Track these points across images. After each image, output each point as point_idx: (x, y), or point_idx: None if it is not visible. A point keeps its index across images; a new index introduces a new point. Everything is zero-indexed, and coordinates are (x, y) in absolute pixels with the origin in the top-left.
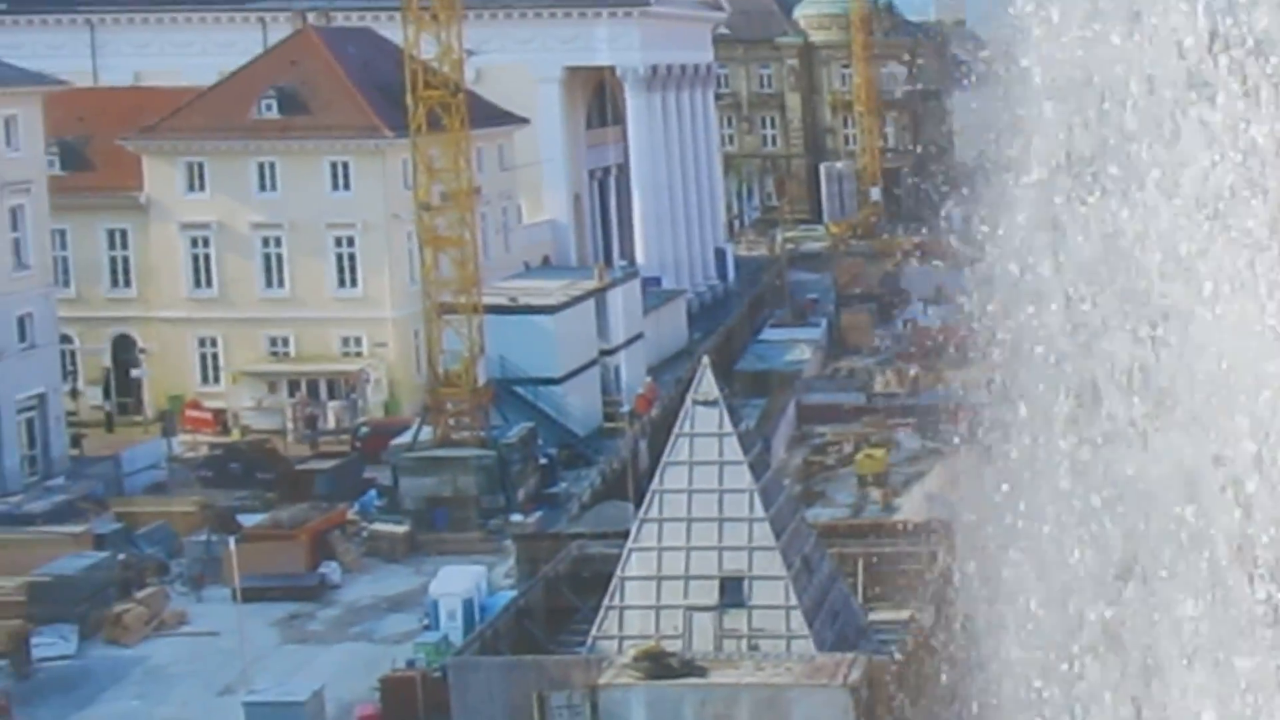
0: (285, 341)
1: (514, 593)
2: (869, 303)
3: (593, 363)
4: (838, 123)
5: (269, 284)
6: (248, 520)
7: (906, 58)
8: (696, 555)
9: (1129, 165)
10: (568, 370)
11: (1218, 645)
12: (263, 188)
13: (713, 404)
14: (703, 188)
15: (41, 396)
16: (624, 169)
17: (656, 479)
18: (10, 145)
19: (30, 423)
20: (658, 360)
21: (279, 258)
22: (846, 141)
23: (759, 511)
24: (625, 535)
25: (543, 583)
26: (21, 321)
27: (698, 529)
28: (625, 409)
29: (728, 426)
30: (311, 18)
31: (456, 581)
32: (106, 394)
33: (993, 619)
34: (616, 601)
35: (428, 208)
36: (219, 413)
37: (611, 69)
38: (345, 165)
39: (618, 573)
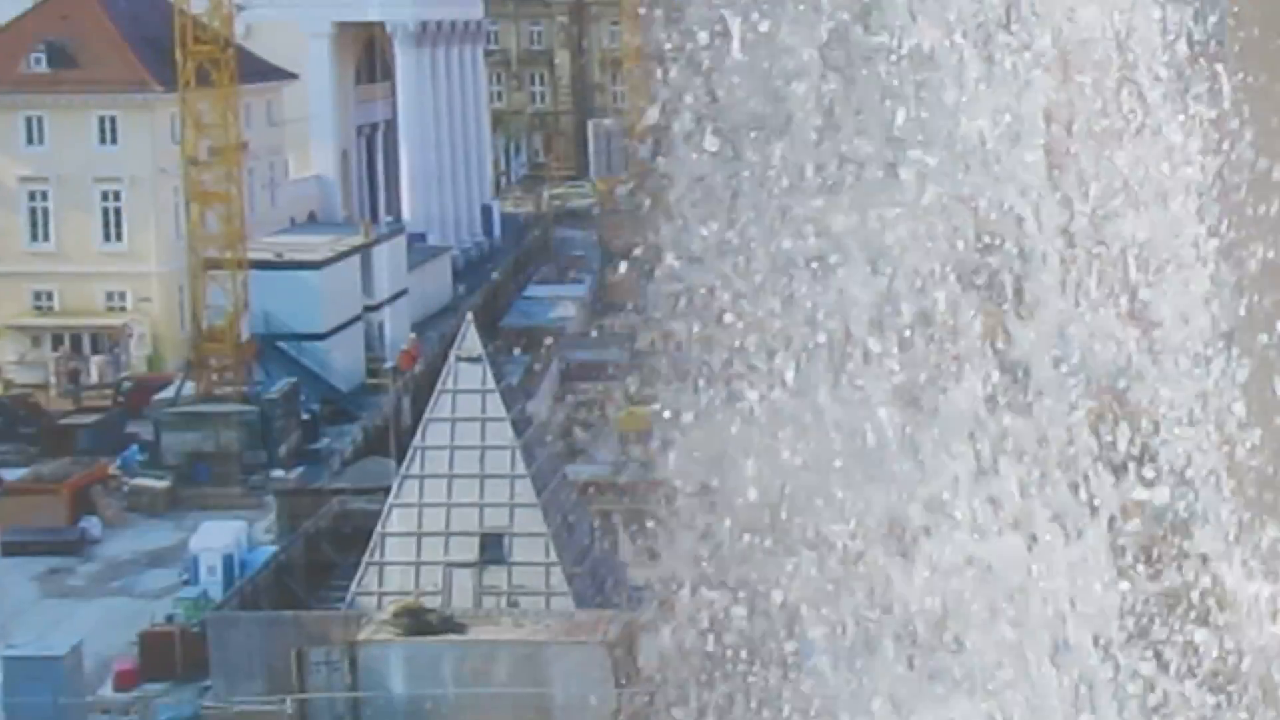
0: (50, 296)
1: (274, 548)
2: (634, 260)
3: (357, 319)
4: (606, 79)
5: (34, 238)
6: (9, 474)
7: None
8: (457, 512)
9: None
10: (332, 326)
11: None
12: (30, 141)
13: (476, 360)
14: (470, 144)
15: None
16: (392, 125)
17: (418, 435)
18: None
19: None
20: (422, 317)
21: (45, 211)
22: (615, 99)
23: (520, 468)
24: (387, 491)
25: (303, 538)
26: None
27: (459, 485)
28: (389, 365)
29: (490, 383)
30: None
31: (217, 537)
32: None
33: None
34: (377, 558)
35: (195, 163)
36: None
37: (382, 25)
38: (113, 120)
39: (378, 529)
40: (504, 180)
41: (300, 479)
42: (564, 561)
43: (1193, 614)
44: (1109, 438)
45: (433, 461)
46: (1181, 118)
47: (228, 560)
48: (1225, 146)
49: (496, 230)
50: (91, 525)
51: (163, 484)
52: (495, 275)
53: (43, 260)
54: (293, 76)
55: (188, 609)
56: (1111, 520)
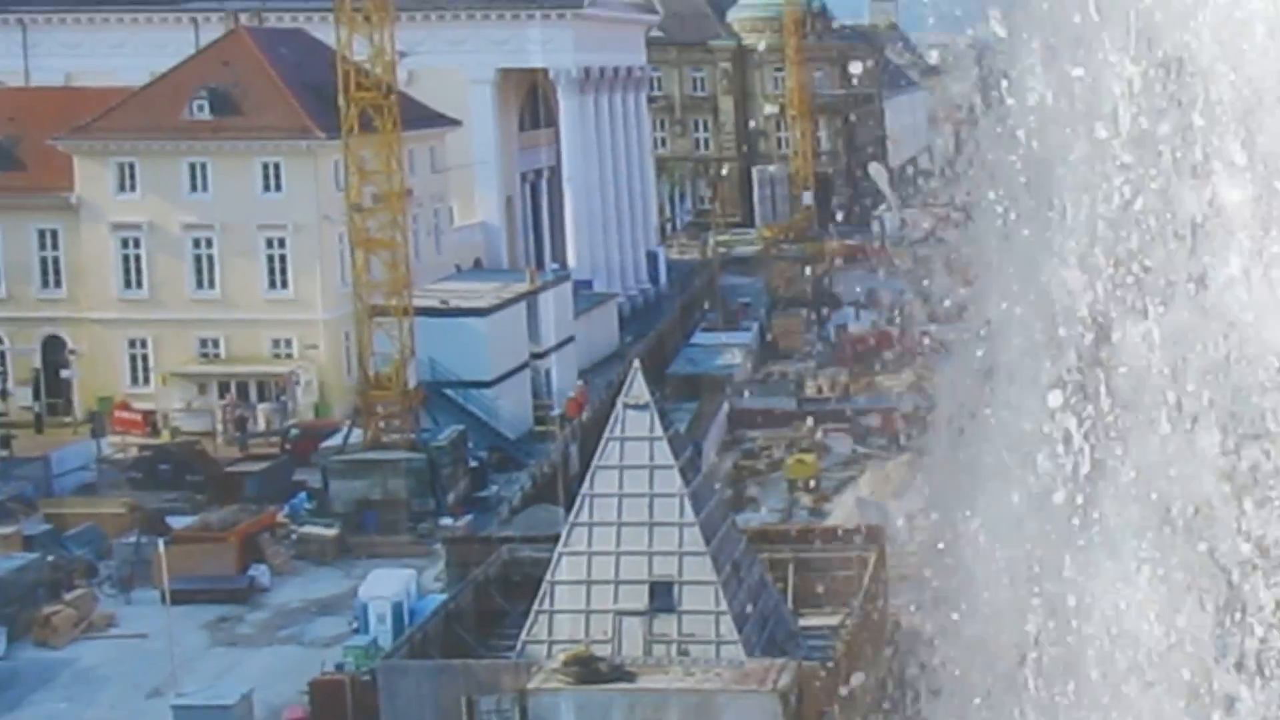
0: (215, 343)
1: (443, 596)
2: (800, 307)
3: (524, 366)
4: (770, 126)
5: (200, 285)
6: (177, 522)
7: (843, 61)
8: (626, 560)
9: None
10: (498, 373)
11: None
12: (194, 188)
13: (643, 408)
14: (635, 190)
15: None
16: (556, 171)
17: (587, 483)
18: None
19: None
20: (589, 364)
21: (210, 259)
22: (779, 145)
23: (689, 516)
24: (555, 539)
25: (472, 586)
26: None
27: (627, 533)
28: (556, 412)
29: (658, 430)
30: (244, 18)
31: (386, 585)
32: (36, 395)
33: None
34: (546, 606)
35: (359, 209)
36: (149, 414)
37: (544, 71)
38: (277, 166)
39: (547, 577)
40: (669, 227)
41: (469, 527)
42: (733, 610)
43: None
44: None
45: (601, 509)
46: None
47: (397, 608)
48: None
49: (662, 277)
50: (260, 573)
51: (331, 532)
52: (662, 323)
53: (208, 308)
54: (456, 123)
55: (358, 657)
56: None
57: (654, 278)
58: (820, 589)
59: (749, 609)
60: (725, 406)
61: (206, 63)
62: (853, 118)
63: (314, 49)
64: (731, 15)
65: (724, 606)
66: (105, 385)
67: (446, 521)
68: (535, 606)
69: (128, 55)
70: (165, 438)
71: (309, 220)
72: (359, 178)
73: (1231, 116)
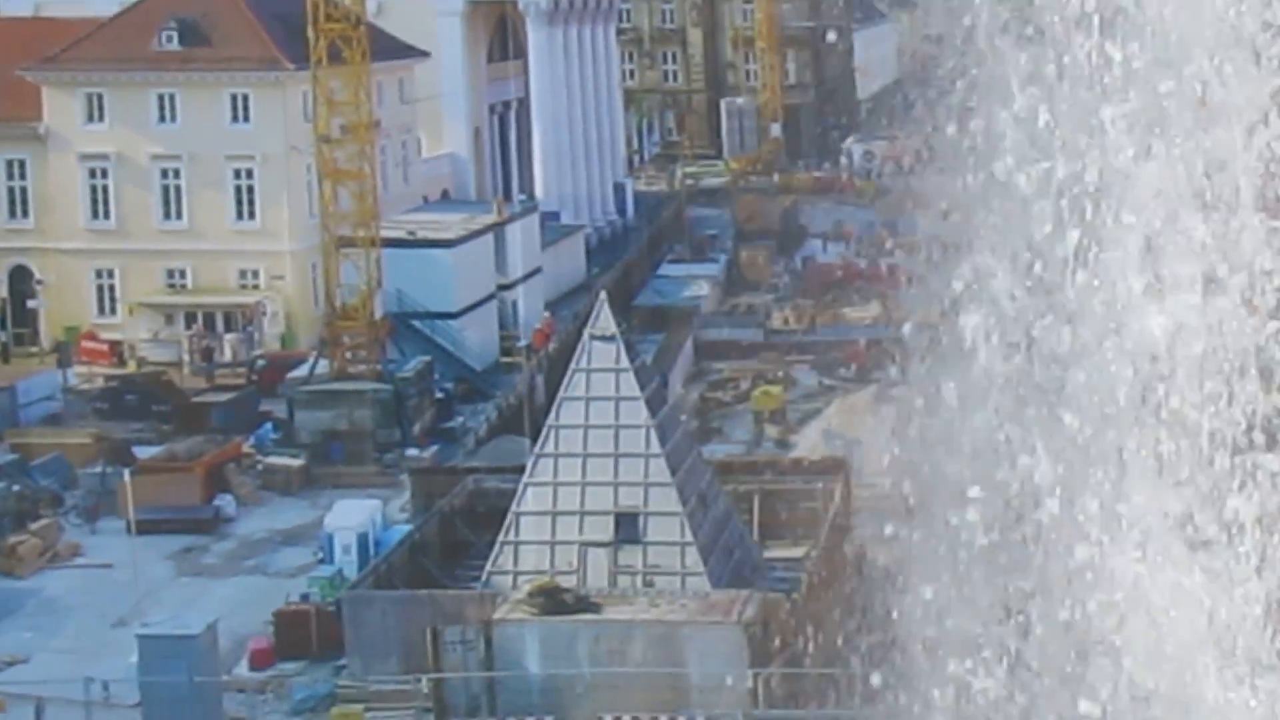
0: (183, 273)
1: (409, 527)
2: (768, 239)
3: (490, 297)
4: (739, 58)
5: (167, 216)
6: (143, 452)
7: None
8: (592, 491)
9: None
10: (465, 304)
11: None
12: (162, 119)
13: (610, 339)
14: (603, 122)
15: None
16: (524, 103)
17: (553, 414)
18: None
19: None
20: (556, 295)
21: (177, 189)
22: (748, 77)
23: (655, 447)
24: (521, 470)
25: (438, 517)
26: None
27: (593, 464)
28: (522, 344)
29: (625, 361)
30: None
31: (351, 515)
32: (2, 325)
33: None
34: (511, 537)
35: (327, 140)
36: (115, 344)
37: (513, 2)
38: (245, 97)
39: (513, 508)
40: (637, 159)
41: (434, 458)
42: (698, 541)
43: None
44: None
45: (567, 440)
46: None
47: (362, 539)
48: None
49: (630, 209)
50: (226, 503)
51: (297, 462)
52: (629, 255)
53: (175, 238)
54: (425, 54)
55: (323, 587)
56: None
57: (621, 209)
58: (786, 520)
59: (715, 541)
60: (691, 338)
61: None
62: (820, 49)
63: None
64: None
65: (689, 538)
66: (72, 315)
67: (412, 452)
68: (500, 537)
69: None
70: (132, 368)
71: (277, 151)
72: (327, 109)
73: None
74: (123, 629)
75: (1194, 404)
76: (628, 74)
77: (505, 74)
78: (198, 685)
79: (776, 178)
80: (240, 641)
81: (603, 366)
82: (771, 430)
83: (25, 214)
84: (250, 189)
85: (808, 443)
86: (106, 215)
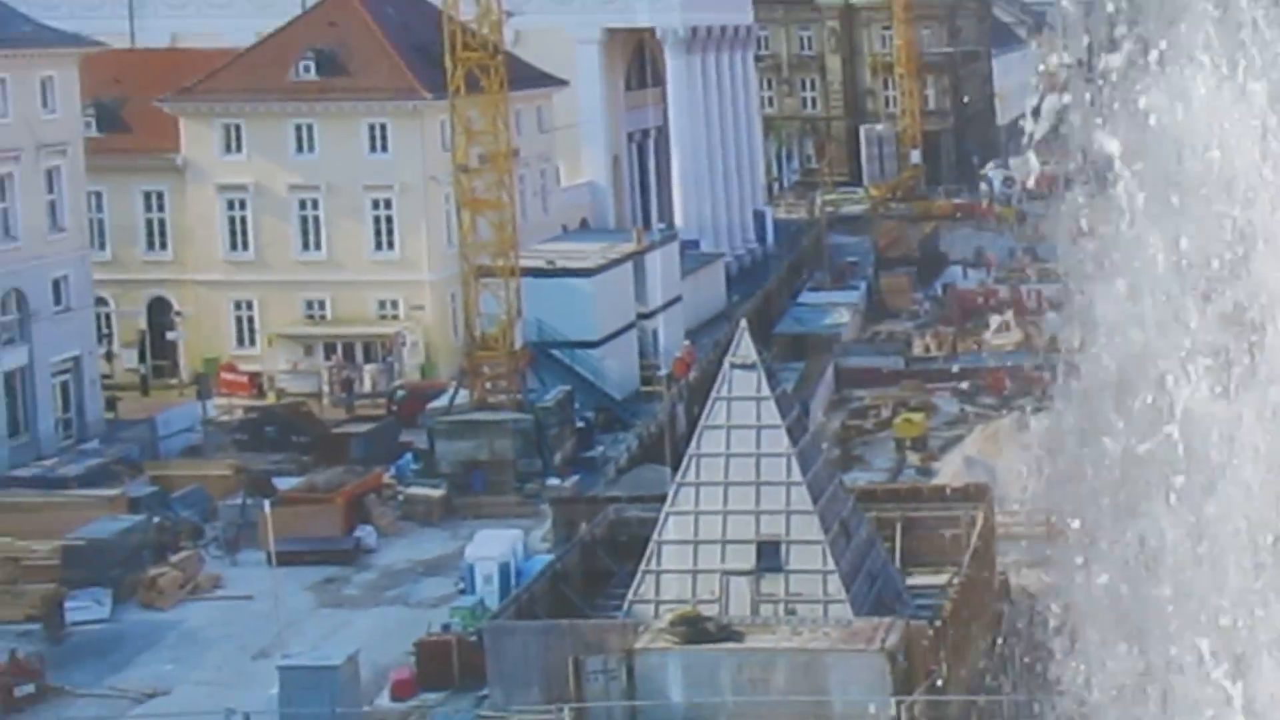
0: (321, 304)
1: (550, 557)
2: (908, 266)
3: (630, 326)
4: (878, 85)
5: (305, 246)
6: (283, 484)
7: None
8: (733, 519)
9: None
10: (605, 333)
11: None
12: (300, 149)
13: (750, 367)
14: (742, 150)
15: (76, 359)
16: (663, 131)
17: (694, 443)
18: (46, 107)
19: (65, 386)
20: (696, 323)
21: (316, 220)
22: (887, 104)
23: (796, 475)
24: (662, 499)
25: (579, 547)
26: (57, 284)
27: (735, 493)
28: (663, 372)
29: (765, 390)
30: None
31: (492, 545)
32: (142, 357)
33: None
34: (653, 566)
35: (465, 170)
36: (254, 376)
37: (651, 30)
38: (383, 127)
39: (654, 537)
40: (776, 186)
41: (575, 487)
42: (840, 569)
43: None
44: None
45: (708, 469)
46: None
47: (504, 569)
48: None
49: (769, 236)
50: (366, 534)
51: (437, 492)
52: (769, 283)
53: (314, 269)
54: (563, 83)
55: (464, 618)
56: None
57: (761, 237)
58: (928, 547)
59: (857, 568)
60: (832, 366)
61: (312, 23)
62: (960, 75)
63: (420, 8)
64: None
65: (831, 565)
66: (211, 347)
67: (553, 482)
68: (642, 566)
69: (233, 16)
70: (271, 399)
71: (415, 181)
72: (465, 138)
73: None
74: (264, 660)
75: None
76: (766, 101)
77: (643, 102)
78: (339, 717)
79: (916, 204)
80: (382, 672)
81: (744, 395)
82: (913, 457)
83: (164, 246)
84: (389, 219)
85: (949, 470)
86: (245, 246)
